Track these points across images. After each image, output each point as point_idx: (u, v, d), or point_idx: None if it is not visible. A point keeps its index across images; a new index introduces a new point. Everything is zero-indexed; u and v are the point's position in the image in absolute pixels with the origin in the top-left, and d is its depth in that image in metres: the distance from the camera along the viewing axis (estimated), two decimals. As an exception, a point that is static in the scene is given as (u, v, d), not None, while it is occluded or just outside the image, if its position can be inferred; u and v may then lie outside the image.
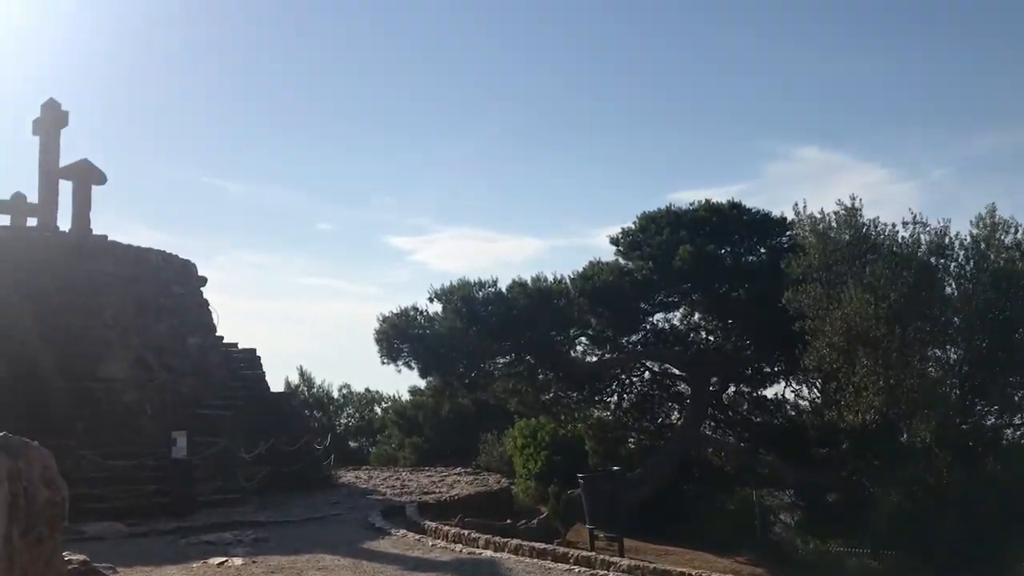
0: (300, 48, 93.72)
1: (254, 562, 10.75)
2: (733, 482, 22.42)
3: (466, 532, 12.78)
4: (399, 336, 18.93)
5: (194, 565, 10.55)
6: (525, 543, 11.75)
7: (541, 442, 21.61)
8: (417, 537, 12.87)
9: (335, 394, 37.65)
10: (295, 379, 36.39)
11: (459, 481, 21.85)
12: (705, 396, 20.97)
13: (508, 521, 17.07)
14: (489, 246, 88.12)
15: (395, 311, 19.18)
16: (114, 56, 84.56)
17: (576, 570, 10.16)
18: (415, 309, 19.22)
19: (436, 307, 19.33)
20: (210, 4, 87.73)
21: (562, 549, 11.22)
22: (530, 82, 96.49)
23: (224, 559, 10.82)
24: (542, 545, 11.65)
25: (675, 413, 22.75)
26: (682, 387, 22.18)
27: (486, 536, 12.42)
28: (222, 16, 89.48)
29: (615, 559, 10.94)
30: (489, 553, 11.49)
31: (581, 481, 13.48)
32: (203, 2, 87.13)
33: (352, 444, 35.28)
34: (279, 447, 19.21)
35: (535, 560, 10.94)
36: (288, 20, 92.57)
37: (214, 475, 17.03)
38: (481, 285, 19.02)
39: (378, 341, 19.07)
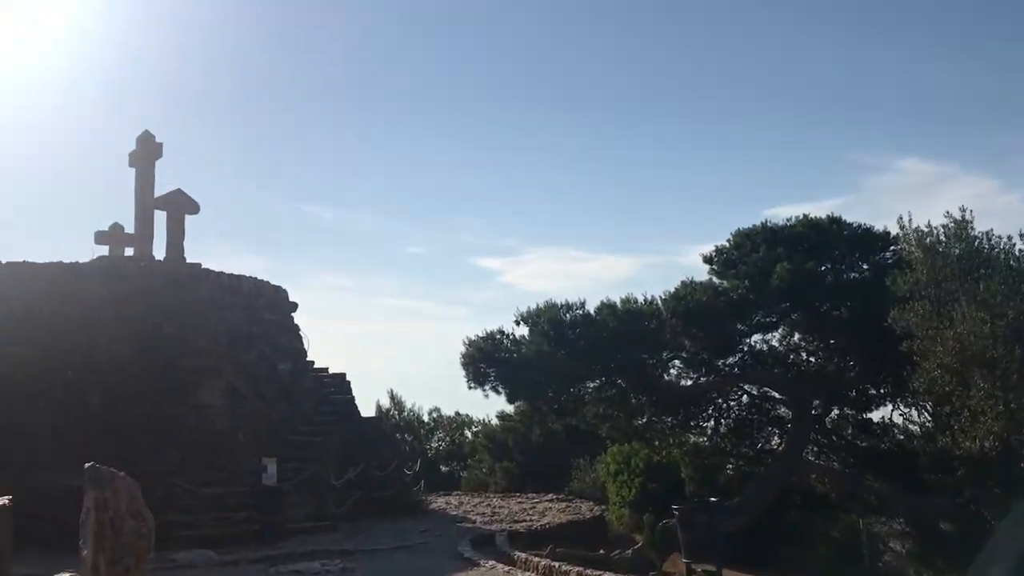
0: (388, 76, 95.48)
1: (340, 594, 10.55)
2: (838, 509, 21.39)
3: (557, 564, 12.33)
4: (485, 360, 18.58)
5: (280, 597, 10.40)
6: (618, 577, 11.24)
7: (635, 468, 21.01)
8: (506, 569, 12.50)
9: (425, 418, 37.68)
10: (386, 403, 36.56)
11: (550, 508, 21.42)
12: (807, 420, 19.99)
13: (601, 551, 16.54)
14: (579, 266, 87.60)
15: (481, 335, 18.89)
16: (209, 87, 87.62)
17: (673, 608, 9.61)
18: (501, 332, 18.87)
19: (523, 330, 18.95)
20: (301, 35, 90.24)
21: (658, 585, 10.66)
22: (619, 97, 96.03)
23: (310, 591, 10.65)
24: (636, 580, 11.12)
25: (775, 438, 21.77)
26: (782, 411, 21.22)
27: (578, 568, 11.94)
28: (312, 46, 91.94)
29: (714, 595, 10.34)
30: (581, 588, 11.04)
31: (676, 512, 12.87)
32: (294, 33, 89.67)
33: (443, 468, 35.18)
34: (369, 472, 19.15)
35: (628, 596, 10.43)
36: (375, 54, 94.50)
37: (304, 501, 17.01)
38: (568, 307, 18.55)
39: (464, 365, 18.76)
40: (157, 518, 14.69)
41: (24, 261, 18.39)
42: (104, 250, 21.04)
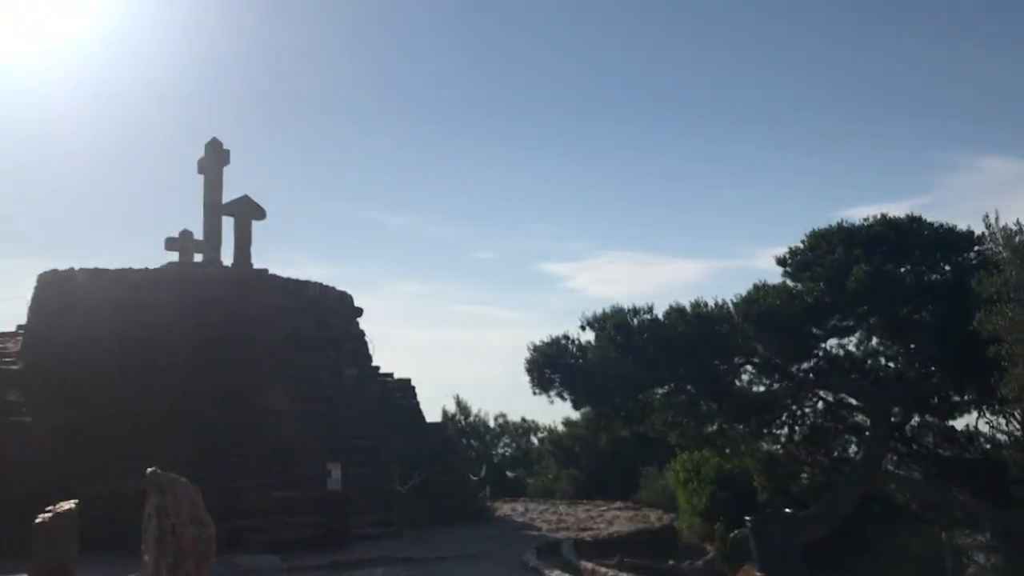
0: (456, 82, 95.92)
1: (403, 603, 10.35)
2: (919, 521, 20.54)
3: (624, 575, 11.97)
4: (550, 366, 18.26)
5: (343, 605, 10.23)
6: (689, 591, 10.82)
7: (705, 477, 20.52)
8: (573, 580, 12.16)
9: (491, 423, 37.50)
10: (452, 408, 36.48)
11: (618, 517, 21.01)
12: (886, 428, 19.20)
13: (671, 562, 16.10)
14: (648, 270, 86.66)
15: (545, 340, 18.57)
16: (277, 94, 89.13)
17: (747, 625, 9.17)
18: (566, 338, 18.52)
19: (588, 335, 18.57)
20: (365, 43, 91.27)
21: (731, 599, 10.21)
22: (689, 100, 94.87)
23: (373, 599, 10.47)
24: (708, 594, 10.69)
25: (852, 446, 21.01)
26: (860, 418, 20.42)
27: (646, 581, 11.57)
28: (376, 54, 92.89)
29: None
30: (650, 601, 10.65)
31: (749, 523, 12.37)
32: (358, 41, 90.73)
33: (509, 474, 34.94)
34: (434, 478, 19.01)
35: (701, 611, 10.01)
36: (439, 61, 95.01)
37: (369, 507, 16.91)
38: (636, 312, 18.13)
39: (529, 371, 18.46)
40: (223, 523, 14.73)
41: (95, 268, 18.69)
42: (174, 256, 21.31)
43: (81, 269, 18.78)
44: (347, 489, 15.99)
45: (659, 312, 18.32)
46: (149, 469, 8.50)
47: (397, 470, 18.24)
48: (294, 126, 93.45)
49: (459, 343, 78.36)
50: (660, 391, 18.89)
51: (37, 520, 8.93)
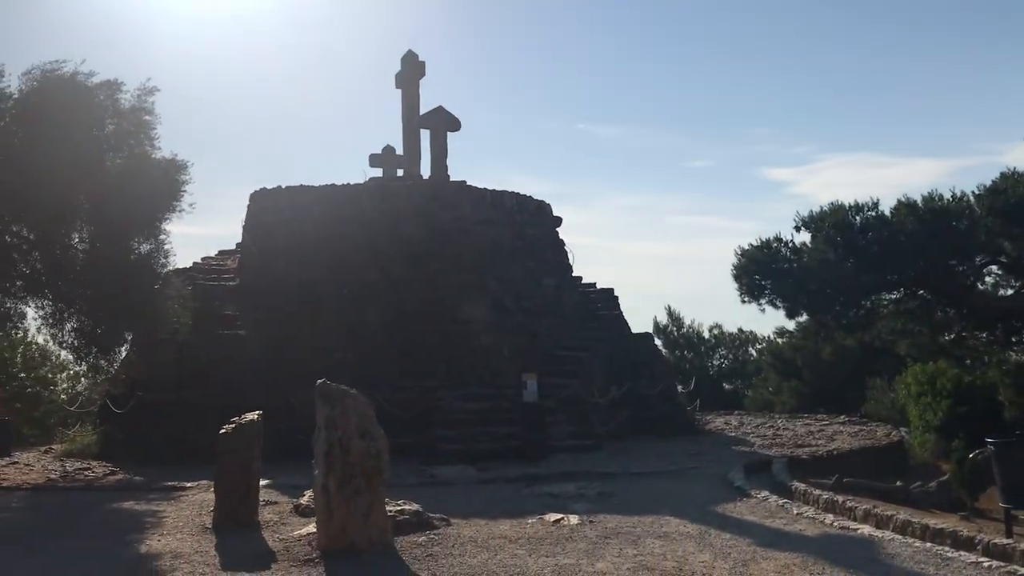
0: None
1: (591, 521, 9.78)
2: None
3: (839, 500, 10.75)
4: (760, 271, 16.90)
5: (529, 521, 9.82)
6: (915, 520, 9.46)
7: (941, 390, 18.51)
8: (781, 502, 11.10)
9: (706, 334, 36.28)
10: (664, 319, 35.59)
11: (841, 432, 19.48)
12: None
13: (898, 483, 14.59)
14: (880, 172, 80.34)
15: (755, 243, 17.18)
16: (482, 10, 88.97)
17: (986, 564, 7.81)
18: (778, 240, 17.00)
19: (803, 237, 16.99)
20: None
21: (966, 533, 8.79)
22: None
23: (560, 516, 10.01)
24: (938, 524, 9.28)
25: (1124, 357, 18.30)
26: None
27: (865, 507, 10.29)
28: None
29: (1042, 551, 8.34)
30: (868, 529, 9.44)
31: (992, 447, 10.71)
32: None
33: (726, 386, 33.71)
34: (638, 390, 18.36)
35: (928, 544, 8.66)
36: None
37: (568, 419, 16.52)
38: (859, 208, 16.32)
39: (736, 277, 17.17)
40: (424, 433, 14.86)
41: (301, 185, 19.12)
42: (378, 172, 21.54)
43: (288, 187, 19.25)
44: (544, 400, 15.63)
45: (885, 209, 16.43)
46: (319, 381, 8.32)
47: (598, 381, 17.72)
48: (500, 41, 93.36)
49: (675, 254, 76.65)
50: (888, 296, 17.10)
51: (221, 431, 9.11)
